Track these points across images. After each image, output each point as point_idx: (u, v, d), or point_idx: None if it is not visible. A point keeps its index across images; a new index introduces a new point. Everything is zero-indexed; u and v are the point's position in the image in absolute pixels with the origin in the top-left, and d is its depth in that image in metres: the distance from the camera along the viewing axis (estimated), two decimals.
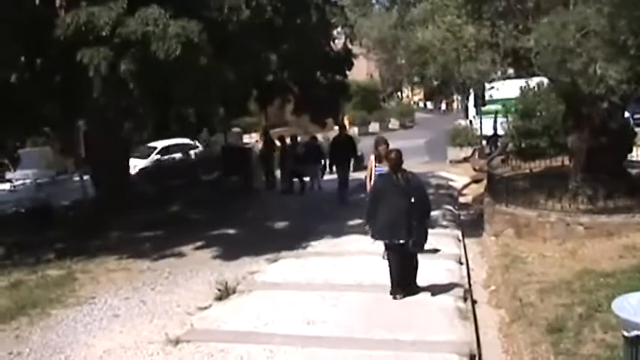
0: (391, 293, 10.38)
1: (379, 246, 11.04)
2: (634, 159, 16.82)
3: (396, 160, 10.24)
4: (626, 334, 5.90)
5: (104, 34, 12.19)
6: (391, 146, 11.59)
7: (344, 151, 20.69)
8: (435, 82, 13.54)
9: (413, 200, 10.00)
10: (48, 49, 13.64)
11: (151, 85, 12.74)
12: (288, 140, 25.43)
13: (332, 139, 22.33)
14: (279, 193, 24.32)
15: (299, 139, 26.48)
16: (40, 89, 14.54)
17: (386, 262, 10.69)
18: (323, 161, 22.77)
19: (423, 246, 10.30)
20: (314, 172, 23.62)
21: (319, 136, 26.55)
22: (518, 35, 12.05)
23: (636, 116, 29.67)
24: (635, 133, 16.00)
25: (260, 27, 14.09)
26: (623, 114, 15.58)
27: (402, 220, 9.96)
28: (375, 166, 11.64)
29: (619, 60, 10.42)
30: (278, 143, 25.52)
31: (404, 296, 10.30)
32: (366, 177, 13.40)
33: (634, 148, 16.18)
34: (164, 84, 12.96)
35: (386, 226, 10.09)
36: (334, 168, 20.65)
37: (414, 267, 10.47)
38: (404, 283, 10.41)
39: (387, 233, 10.16)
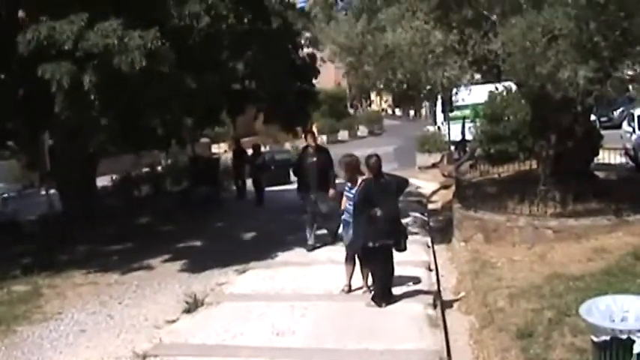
0: (376, 302, 10.27)
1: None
2: (601, 161, 16.97)
3: (376, 165, 10.28)
4: (594, 338, 5.89)
5: (66, 48, 12.04)
6: (359, 155, 11.39)
7: (320, 171, 14.53)
8: (404, 88, 13.47)
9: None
10: (11, 65, 13.48)
11: (114, 97, 12.59)
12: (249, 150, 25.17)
13: (299, 153, 16.81)
14: (249, 203, 24.04)
15: (262, 148, 26.23)
16: (5, 104, 14.37)
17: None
18: None
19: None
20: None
21: (288, 145, 26.39)
22: (486, 42, 12.06)
23: (602, 119, 30.07)
24: (602, 136, 16.14)
25: (222, 35, 14.00)
26: (590, 117, 15.70)
27: (391, 222, 10.07)
28: (345, 190, 11.19)
29: (588, 62, 10.46)
30: (250, 152, 25.20)
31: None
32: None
33: (600, 151, 16.31)
34: (127, 95, 12.81)
35: (378, 231, 9.97)
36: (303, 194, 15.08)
37: (391, 272, 10.45)
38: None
39: (379, 238, 10.02)
